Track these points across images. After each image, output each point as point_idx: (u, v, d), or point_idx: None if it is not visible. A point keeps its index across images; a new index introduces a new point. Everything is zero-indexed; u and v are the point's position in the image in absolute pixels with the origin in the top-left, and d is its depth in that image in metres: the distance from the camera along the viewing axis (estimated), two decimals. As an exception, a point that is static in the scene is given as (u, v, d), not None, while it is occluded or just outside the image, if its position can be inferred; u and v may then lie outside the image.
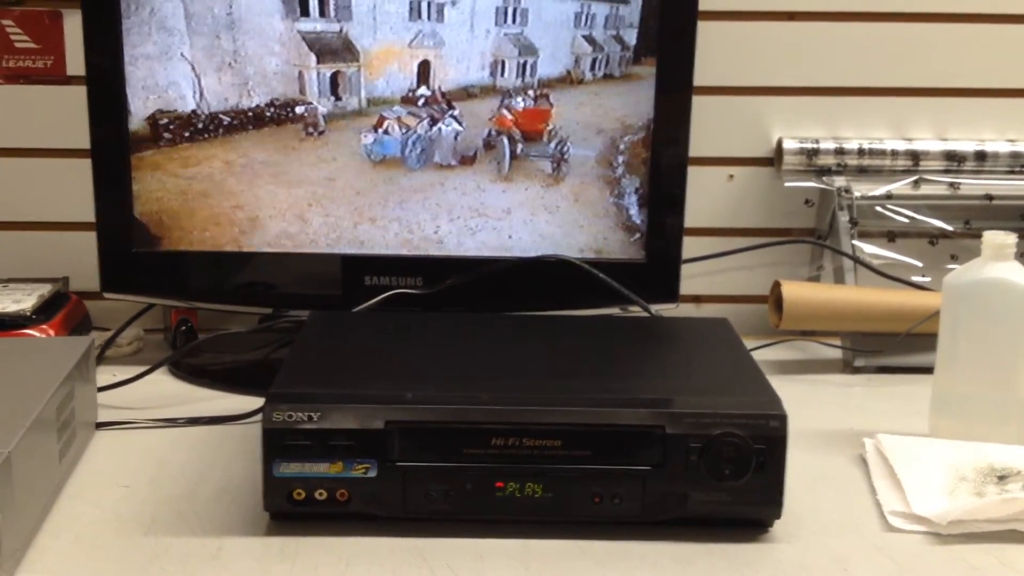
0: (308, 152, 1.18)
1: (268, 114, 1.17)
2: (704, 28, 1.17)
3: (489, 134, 1.19)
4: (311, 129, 1.18)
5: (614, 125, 1.19)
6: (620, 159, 1.19)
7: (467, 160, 1.19)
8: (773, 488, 0.86)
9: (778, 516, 0.87)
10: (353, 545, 0.84)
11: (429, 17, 1.15)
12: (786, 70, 1.35)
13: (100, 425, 1.05)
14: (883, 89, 1.36)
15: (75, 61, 1.30)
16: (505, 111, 1.18)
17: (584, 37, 1.17)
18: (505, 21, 1.16)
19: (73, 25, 1.30)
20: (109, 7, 1.14)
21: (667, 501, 0.86)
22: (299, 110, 1.17)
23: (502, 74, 1.17)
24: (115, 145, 1.17)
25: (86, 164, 1.18)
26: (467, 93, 1.18)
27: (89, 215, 1.19)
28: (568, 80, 1.18)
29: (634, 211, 1.18)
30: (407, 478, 0.86)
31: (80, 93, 1.17)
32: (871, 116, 1.37)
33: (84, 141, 1.17)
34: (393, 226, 1.20)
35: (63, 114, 1.30)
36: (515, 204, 1.20)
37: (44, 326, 1.19)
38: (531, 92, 1.18)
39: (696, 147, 1.21)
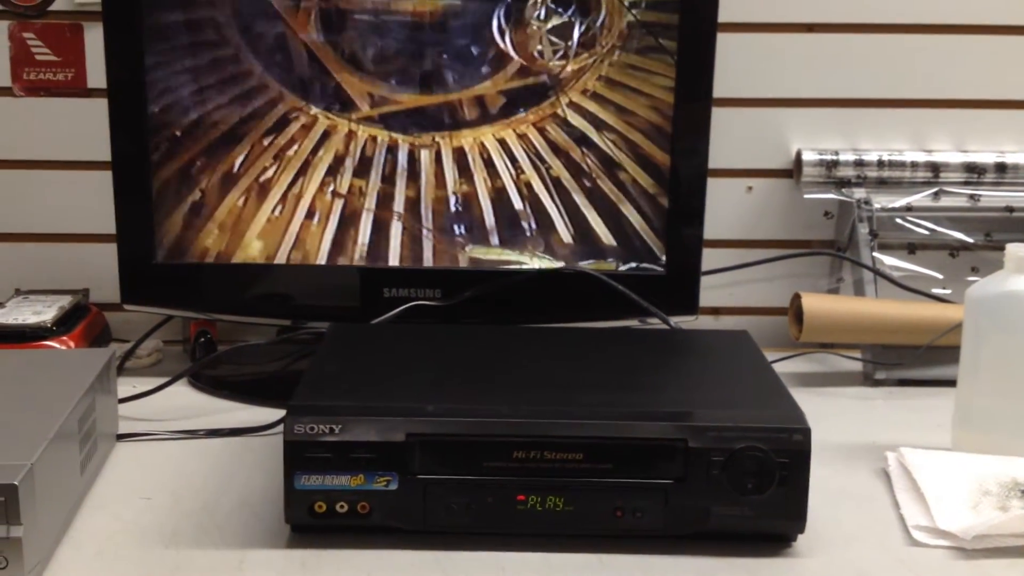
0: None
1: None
2: (723, 40, 1.17)
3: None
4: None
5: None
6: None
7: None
8: (796, 502, 0.85)
9: (801, 530, 0.87)
10: (374, 558, 0.84)
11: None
12: (805, 82, 1.35)
13: (121, 437, 1.06)
14: (902, 101, 1.36)
15: (96, 73, 1.31)
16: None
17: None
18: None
19: (94, 38, 1.31)
20: (130, 20, 1.14)
21: (689, 515, 0.85)
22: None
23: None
24: (136, 157, 1.17)
25: (107, 176, 1.18)
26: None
27: (109, 227, 1.20)
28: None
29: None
30: (428, 491, 0.85)
31: (101, 105, 1.17)
32: (891, 128, 1.36)
33: (105, 153, 1.18)
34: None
35: (84, 126, 1.31)
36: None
37: (64, 338, 1.19)
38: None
39: (715, 159, 1.21)
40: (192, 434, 1.07)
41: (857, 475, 1.00)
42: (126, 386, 1.14)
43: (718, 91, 1.18)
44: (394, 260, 1.20)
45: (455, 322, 1.18)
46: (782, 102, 1.36)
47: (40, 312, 1.21)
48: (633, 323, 1.20)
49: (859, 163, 1.34)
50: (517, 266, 1.20)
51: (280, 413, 0.96)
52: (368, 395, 0.90)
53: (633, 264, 1.20)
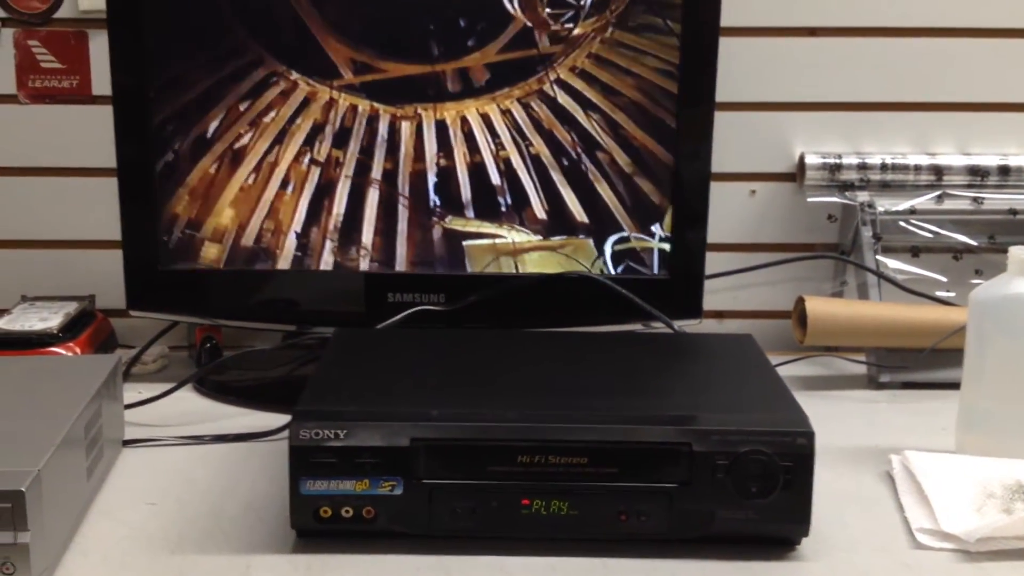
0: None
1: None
2: (726, 44, 1.17)
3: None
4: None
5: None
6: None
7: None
8: (800, 506, 0.85)
9: (805, 534, 0.87)
10: (380, 562, 0.85)
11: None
12: (808, 85, 1.35)
13: (127, 442, 1.06)
14: (905, 104, 1.36)
15: (100, 80, 1.32)
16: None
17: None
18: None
19: (98, 45, 1.32)
20: (135, 27, 1.15)
21: (694, 519, 0.86)
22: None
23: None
24: (141, 163, 1.18)
25: (112, 183, 1.19)
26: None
27: (114, 233, 1.20)
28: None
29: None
30: (433, 495, 0.86)
31: (106, 112, 1.18)
32: (894, 131, 1.36)
33: (110, 160, 1.18)
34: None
35: (89, 133, 1.32)
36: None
37: (71, 344, 1.20)
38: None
39: (718, 163, 1.21)
40: (198, 440, 1.07)
41: (861, 478, 1.00)
42: (132, 392, 1.14)
43: (721, 95, 1.18)
44: (368, 232, 1.19)
45: (459, 327, 1.18)
46: (785, 106, 1.36)
47: (46, 318, 1.22)
48: (637, 327, 1.21)
49: (862, 166, 1.34)
50: (492, 239, 1.19)
51: (285, 418, 0.97)
52: (373, 400, 0.90)
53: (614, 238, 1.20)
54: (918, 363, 1.23)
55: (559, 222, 1.20)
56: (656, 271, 1.21)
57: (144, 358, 1.27)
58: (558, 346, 1.07)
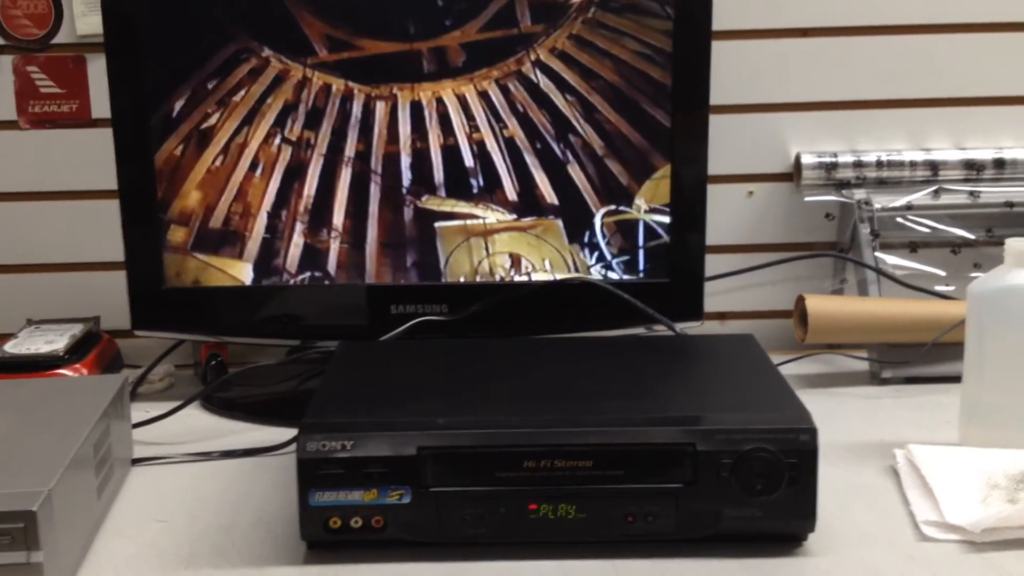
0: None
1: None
2: (719, 47, 1.18)
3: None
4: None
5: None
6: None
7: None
8: (806, 502, 0.86)
9: (812, 529, 0.87)
10: (390, 571, 0.85)
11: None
12: (802, 86, 1.36)
13: (136, 461, 1.07)
14: (899, 101, 1.37)
15: (99, 104, 1.33)
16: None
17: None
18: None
19: (96, 69, 1.33)
20: (132, 51, 1.16)
21: (701, 518, 0.86)
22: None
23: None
24: (142, 185, 1.18)
25: (112, 205, 1.20)
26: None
27: (116, 255, 1.21)
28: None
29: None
30: (441, 503, 0.86)
31: (106, 135, 1.19)
32: (888, 128, 1.37)
33: (110, 183, 1.19)
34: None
35: (90, 157, 1.33)
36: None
37: (77, 366, 1.20)
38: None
39: (715, 165, 1.22)
40: (206, 456, 1.08)
41: (866, 473, 1.01)
42: (139, 411, 1.15)
43: (717, 98, 1.19)
44: (339, 214, 1.18)
45: (462, 336, 1.19)
46: (780, 107, 1.37)
47: (52, 341, 1.23)
48: (639, 331, 1.21)
49: (858, 164, 1.35)
50: (471, 221, 1.19)
51: (292, 432, 0.98)
52: (379, 411, 0.91)
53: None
54: (920, 358, 1.23)
55: (529, 204, 1.20)
56: (642, 243, 1.20)
57: (150, 377, 1.27)
58: (561, 352, 1.08)
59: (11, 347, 1.22)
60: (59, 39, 1.33)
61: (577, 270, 1.21)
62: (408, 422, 0.88)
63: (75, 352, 1.22)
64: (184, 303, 1.22)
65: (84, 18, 1.31)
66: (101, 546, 0.91)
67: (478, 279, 1.21)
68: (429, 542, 0.87)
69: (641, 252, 1.21)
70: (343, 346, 1.09)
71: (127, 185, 1.19)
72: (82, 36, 1.32)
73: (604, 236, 1.20)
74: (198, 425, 1.17)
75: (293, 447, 0.89)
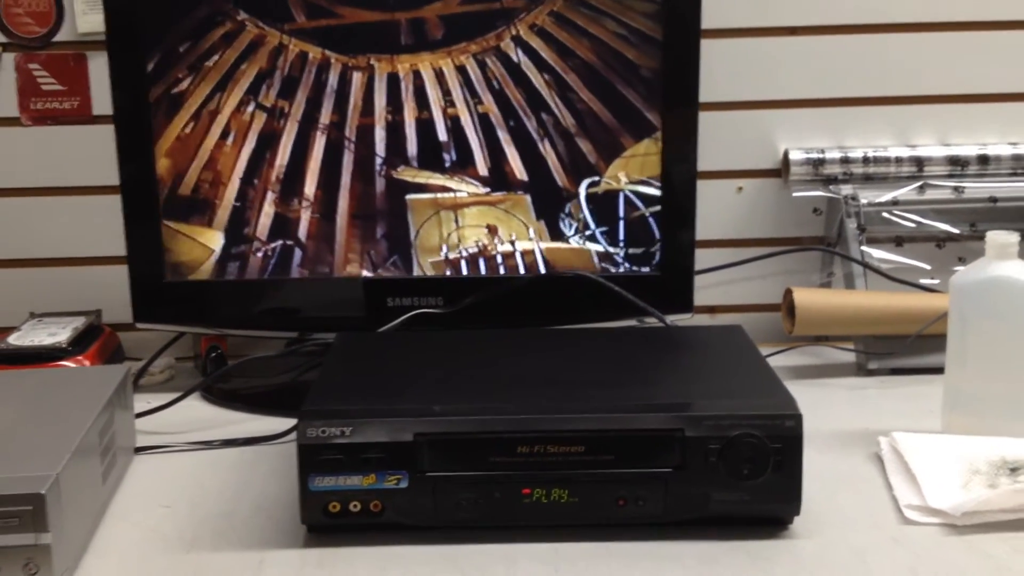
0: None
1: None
2: (708, 46, 1.21)
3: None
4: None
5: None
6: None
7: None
8: (791, 486, 0.88)
9: (797, 513, 0.90)
10: (388, 554, 0.88)
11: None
12: (790, 83, 1.38)
13: (139, 450, 1.09)
14: (885, 98, 1.39)
15: (100, 100, 1.35)
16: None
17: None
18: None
19: (97, 66, 1.35)
20: (133, 48, 1.17)
21: (689, 501, 0.89)
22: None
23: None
24: (143, 180, 1.20)
25: (113, 200, 1.22)
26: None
27: (118, 249, 1.23)
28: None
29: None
30: (437, 488, 0.89)
31: (106, 132, 1.21)
32: (875, 125, 1.39)
33: (111, 178, 1.21)
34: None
35: (91, 153, 1.34)
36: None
37: (79, 357, 1.22)
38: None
39: (705, 161, 1.24)
40: (208, 445, 1.10)
41: (851, 460, 1.03)
42: (141, 402, 1.17)
43: (706, 96, 1.21)
44: (311, 184, 1.18)
45: (457, 328, 1.21)
46: (768, 104, 1.39)
47: (55, 333, 1.25)
48: (631, 323, 1.24)
49: (845, 160, 1.37)
50: (442, 194, 1.20)
51: (290, 422, 1.00)
52: (376, 398, 0.93)
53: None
54: (905, 349, 1.26)
55: (499, 179, 1.21)
56: (623, 215, 1.22)
57: (151, 369, 1.29)
58: (554, 343, 1.10)
59: (15, 339, 1.24)
60: (60, 37, 1.34)
61: (541, 245, 1.21)
62: (405, 409, 0.90)
63: (78, 344, 1.24)
64: (184, 296, 1.24)
65: (85, 16, 1.33)
66: (106, 530, 0.93)
67: (445, 251, 1.21)
68: (425, 526, 0.89)
69: (622, 223, 1.23)
70: (341, 337, 1.11)
71: (128, 180, 1.20)
72: (83, 34, 1.34)
73: (589, 207, 1.21)
74: (199, 415, 1.19)
75: (292, 436, 0.91)
